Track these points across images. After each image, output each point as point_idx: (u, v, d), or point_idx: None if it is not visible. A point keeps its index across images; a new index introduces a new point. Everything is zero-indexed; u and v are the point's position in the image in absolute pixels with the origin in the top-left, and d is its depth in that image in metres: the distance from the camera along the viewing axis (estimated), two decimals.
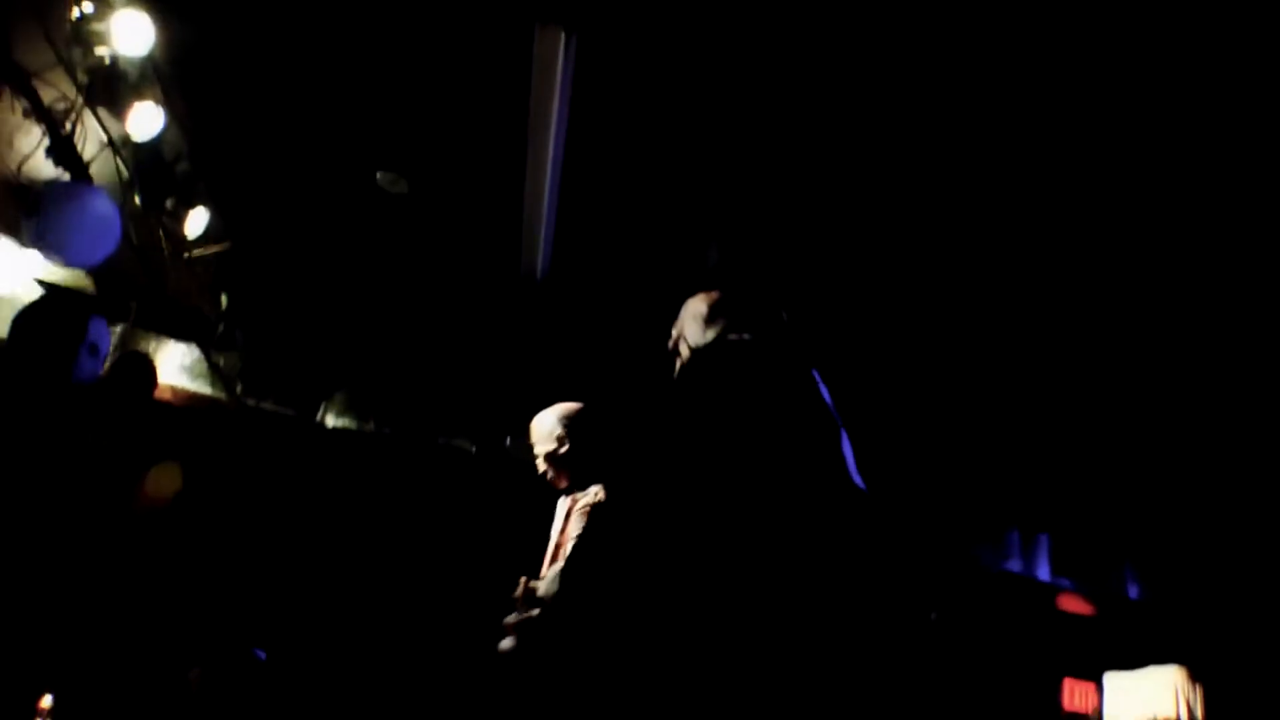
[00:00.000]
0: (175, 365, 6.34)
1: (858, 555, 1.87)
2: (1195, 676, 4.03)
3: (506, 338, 5.91)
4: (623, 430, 2.82)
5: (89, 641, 5.40)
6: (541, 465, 2.91)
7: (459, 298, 5.70)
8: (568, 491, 2.85)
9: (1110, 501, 6.67)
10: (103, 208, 4.22)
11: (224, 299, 5.65)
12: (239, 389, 6.32)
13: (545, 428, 2.90)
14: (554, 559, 2.70)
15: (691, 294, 2.31)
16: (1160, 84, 3.77)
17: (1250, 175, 4.12)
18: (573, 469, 2.84)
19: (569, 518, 2.73)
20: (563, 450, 2.82)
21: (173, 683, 5.28)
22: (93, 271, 5.68)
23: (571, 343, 5.90)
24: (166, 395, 6.28)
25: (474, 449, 6.27)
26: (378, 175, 4.80)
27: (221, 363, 6.09)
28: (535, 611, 2.45)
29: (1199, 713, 3.97)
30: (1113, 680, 4.31)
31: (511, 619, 2.55)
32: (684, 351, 2.20)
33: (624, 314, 5.58)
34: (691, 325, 2.22)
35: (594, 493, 2.68)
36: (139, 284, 5.83)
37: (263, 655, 5.59)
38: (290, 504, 6.07)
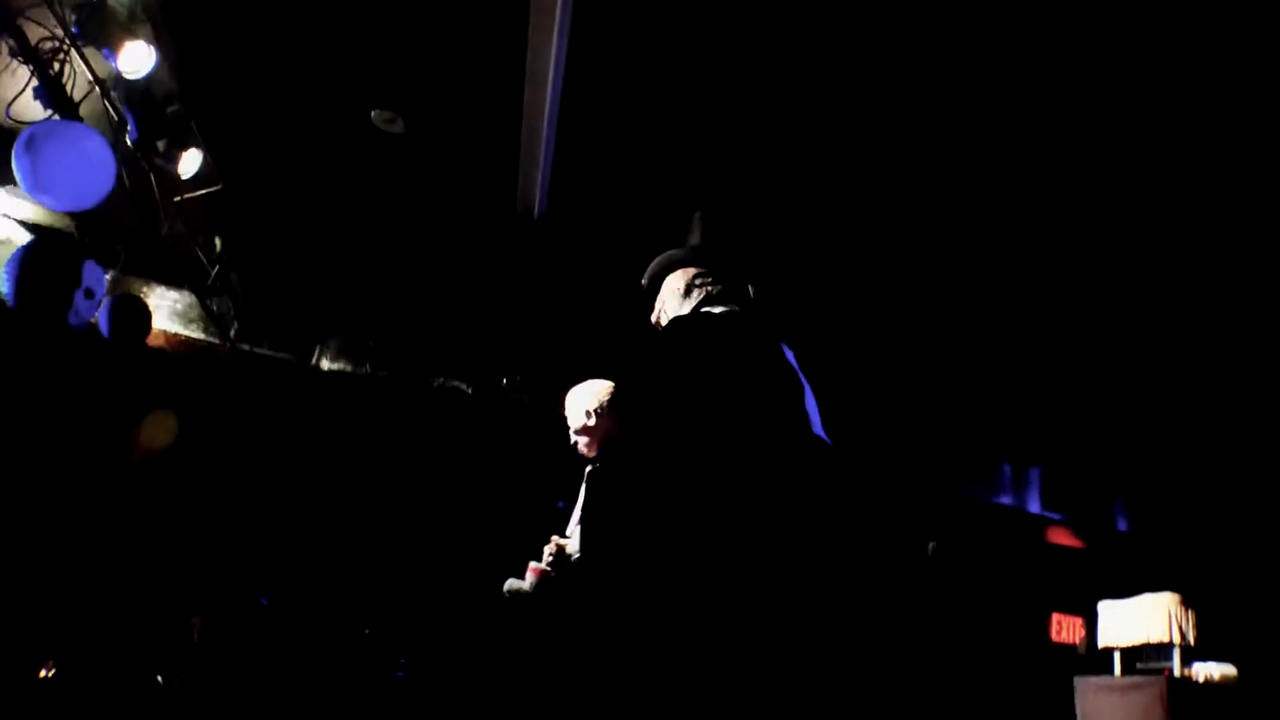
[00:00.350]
0: (168, 310, 6.30)
1: (823, 502, 1.99)
2: (1187, 602, 4.04)
3: (503, 277, 5.88)
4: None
5: (91, 591, 5.44)
6: (573, 437, 3.00)
7: (456, 237, 5.67)
8: (596, 461, 2.95)
9: (1102, 436, 6.73)
10: (97, 148, 4.16)
11: (218, 242, 5.60)
12: (233, 333, 6.29)
13: (578, 403, 2.99)
14: (570, 524, 2.90)
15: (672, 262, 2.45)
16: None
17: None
18: (602, 442, 2.94)
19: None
20: (591, 424, 2.91)
21: (176, 629, 5.33)
22: (80, 215, 5.63)
23: (569, 282, 5.88)
24: (159, 341, 6.25)
25: (470, 390, 6.27)
26: (373, 114, 4.74)
27: (215, 307, 6.06)
28: (553, 571, 2.64)
29: (1191, 636, 4.01)
30: (1107, 607, 4.39)
31: (540, 565, 2.71)
32: (664, 322, 2.37)
33: (622, 252, 5.55)
34: (671, 299, 2.38)
35: None
36: (129, 227, 5.78)
37: (265, 601, 5.64)
38: (287, 449, 6.08)
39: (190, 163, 4.83)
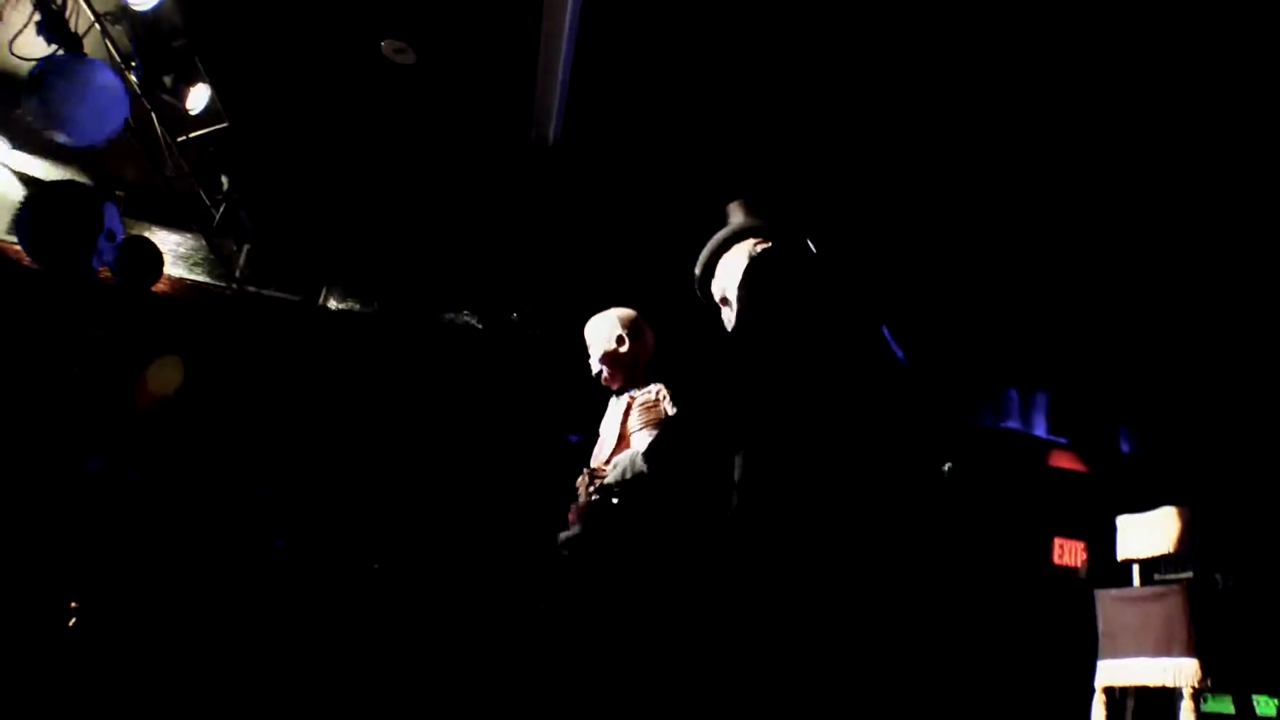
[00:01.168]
0: (171, 254, 6.23)
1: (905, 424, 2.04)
2: (1203, 514, 4.14)
3: (515, 207, 5.83)
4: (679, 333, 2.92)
5: (97, 534, 5.45)
6: (596, 366, 2.94)
7: (466, 169, 5.61)
8: (621, 391, 2.90)
9: (1108, 360, 6.80)
10: (107, 81, 4.09)
11: (224, 182, 5.52)
12: (239, 275, 6.24)
13: (603, 329, 2.94)
14: (615, 450, 2.74)
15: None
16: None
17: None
18: (630, 369, 2.88)
19: (628, 413, 2.76)
20: (622, 350, 2.86)
21: (182, 573, 5.35)
22: (76, 154, 5.52)
23: (582, 211, 5.84)
24: (164, 286, 6.19)
25: (481, 325, 6.26)
26: (383, 45, 4.66)
27: (222, 249, 6.00)
28: (600, 498, 2.50)
29: (1208, 546, 4.12)
30: (1125, 522, 4.47)
31: (580, 503, 2.62)
32: (732, 301, 2.24)
33: (639, 181, 5.53)
34: (734, 277, 2.25)
35: (655, 391, 2.74)
36: (130, 169, 5.70)
37: (280, 544, 5.66)
38: (296, 391, 6.06)
39: (197, 99, 4.75)
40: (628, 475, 2.35)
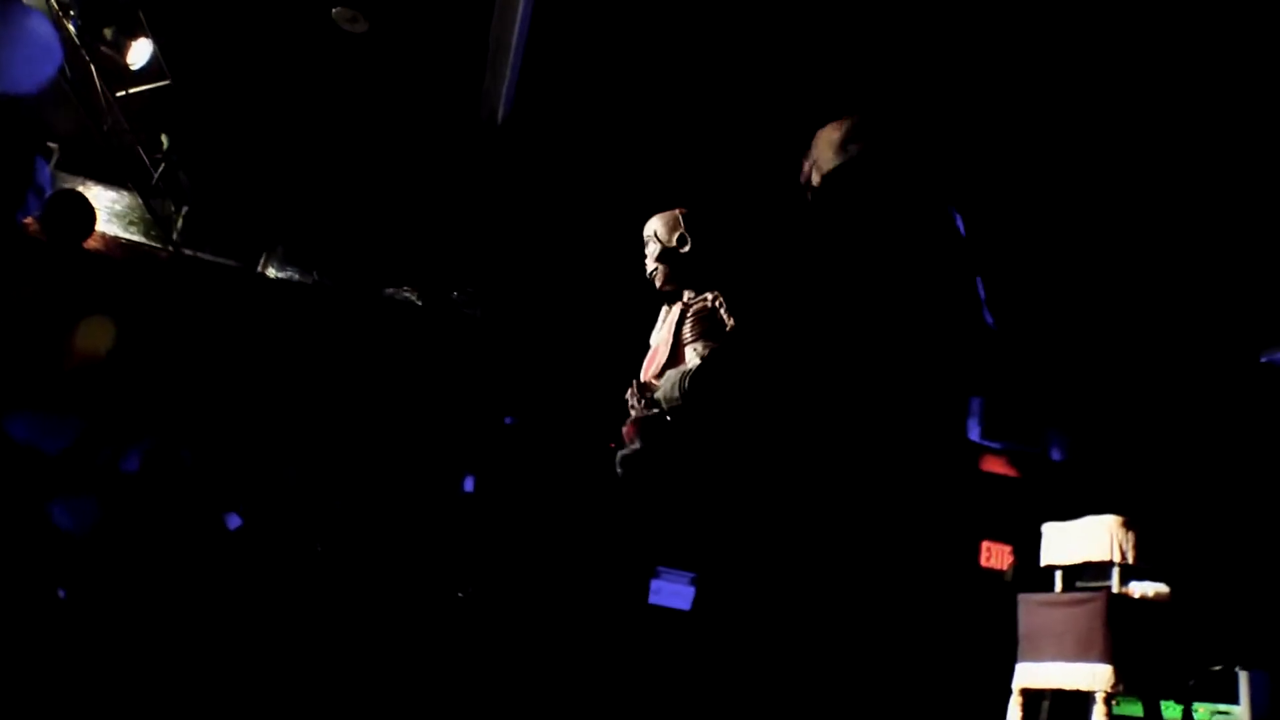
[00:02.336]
0: (107, 211, 6.06)
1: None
2: (1128, 524, 4.19)
3: (461, 187, 5.75)
4: (741, 242, 2.77)
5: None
6: (652, 264, 2.76)
7: (413, 142, 5.51)
8: (673, 296, 2.74)
9: (1042, 368, 6.92)
10: (40, 27, 3.94)
11: (164, 140, 5.37)
12: (176, 237, 6.08)
13: (666, 225, 2.74)
14: (668, 361, 2.61)
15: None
16: None
17: None
18: (687, 271, 2.70)
19: (683, 322, 2.62)
20: (684, 250, 2.68)
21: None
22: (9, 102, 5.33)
23: (530, 195, 5.78)
24: (97, 244, 6.02)
25: (421, 302, 6.18)
26: (334, 11, 4.56)
27: (159, 209, 5.84)
28: (655, 411, 2.43)
29: (1131, 556, 4.12)
30: (1051, 528, 4.54)
31: (633, 418, 2.51)
32: (816, 179, 2.18)
33: (587, 166, 5.47)
34: (826, 152, 2.17)
35: (710, 298, 2.59)
36: (64, 122, 5.52)
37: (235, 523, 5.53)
38: (229, 359, 5.93)
39: (139, 54, 4.60)
40: (673, 397, 2.33)
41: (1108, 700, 3.84)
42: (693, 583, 6.91)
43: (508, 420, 6.25)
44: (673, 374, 2.38)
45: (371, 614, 5.49)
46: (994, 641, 4.78)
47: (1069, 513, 4.57)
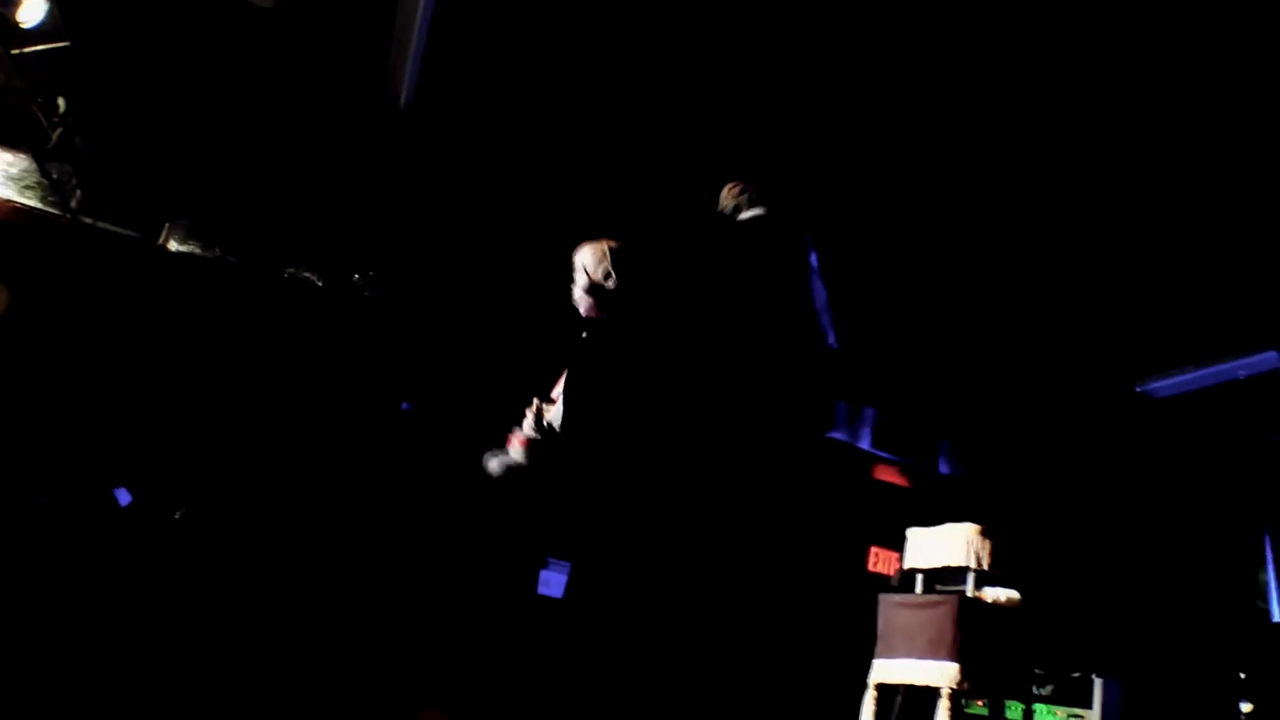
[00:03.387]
0: (2, 173, 5.95)
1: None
2: (986, 533, 4.41)
3: (365, 169, 5.77)
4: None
5: None
6: (579, 293, 2.87)
7: (318, 124, 5.52)
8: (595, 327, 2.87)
9: (933, 381, 7.12)
10: None
11: (61, 102, 5.29)
12: (74, 204, 5.99)
13: (596, 257, 2.84)
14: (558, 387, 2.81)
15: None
16: None
17: None
18: (611, 307, 2.82)
19: None
20: (609, 286, 2.79)
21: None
22: None
23: (433, 175, 5.80)
24: None
25: (321, 283, 6.17)
26: None
27: (55, 174, 5.75)
28: (544, 435, 2.63)
29: (986, 562, 4.34)
30: (914, 533, 4.72)
31: (525, 435, 2.68)
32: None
33: (490, 148, 5.52)
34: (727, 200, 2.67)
35: None
36: None
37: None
38: (127, 332, 5.86)
39: (32, 10, 4.54)
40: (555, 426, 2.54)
41: (953, 697, 4.02)
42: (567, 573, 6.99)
43: (405, 406, 6.30)
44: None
45: (260, 600, 5.52)
46: (870, 641, 4.98)
47: (953, 518, 4.75)
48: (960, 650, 4.09)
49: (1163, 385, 6.83)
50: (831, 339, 2.60)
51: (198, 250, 6.17)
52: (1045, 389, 7.08)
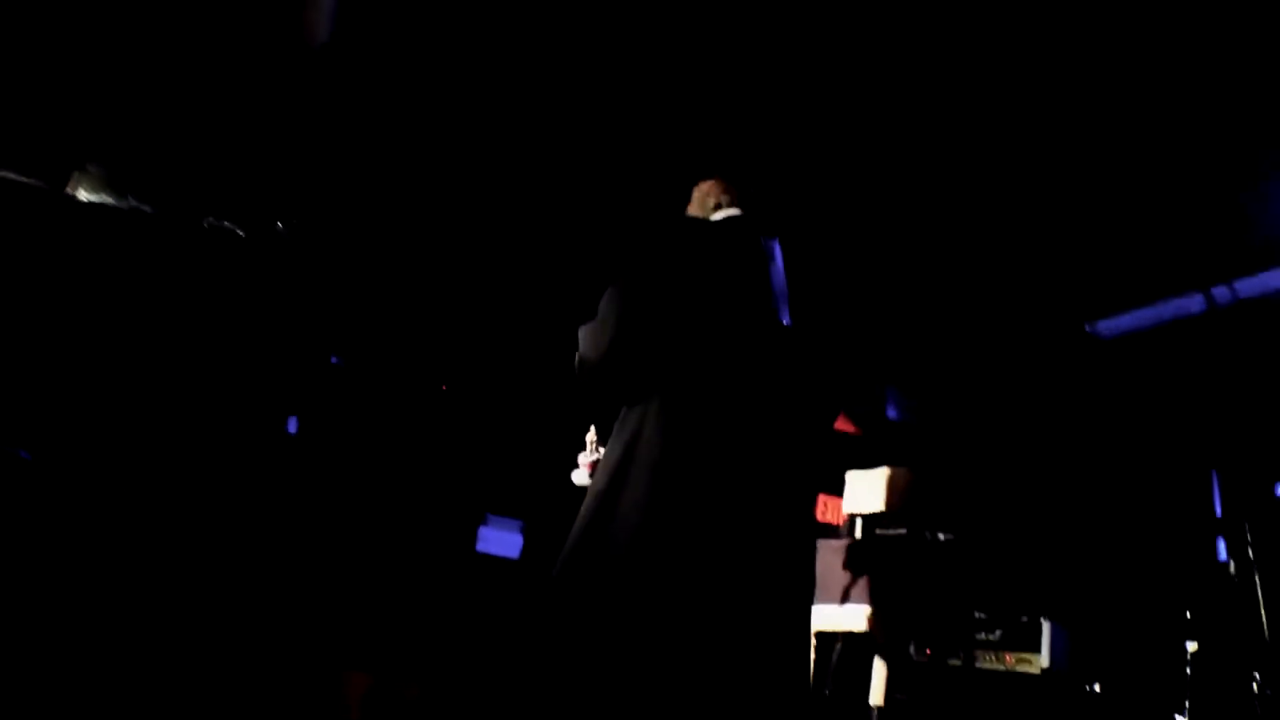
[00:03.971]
0: None
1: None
2: (917, 475, 4.58)
3: (287, 114, 5.55)
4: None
5: None
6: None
7: (234, 66, 5.29)
8: None
9: (884, 327, 7.07)
10: None
11: None
12: None
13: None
14: None
15: None
16: None
17: None
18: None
19: None
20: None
21: None
22: None
23: (357, 119, 5.61)
24: None
25: (243, 233, 5.95)
26: None
27: None
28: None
29: (921, 505, 4.54)
30: (853, 477, 4.70)
31: (589, 461, 2.93)
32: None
33: (412, 92, 5.33)
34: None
35: None
36: None
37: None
38: (34, 283, 5.62)
39: None
40: None
41: (884, 647, 4.15)
42: (523, 530, 6.96)
43: (334, 360, 6.16)
44: None
45: (184, 560, 5.41)
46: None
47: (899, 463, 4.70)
48: (871, 593, 4.13)
49: (1111, 325, 6.88)
50: (785, 317, 2.68)
51: (111, 200, 5.92)
52: (991, 330, 7.04)
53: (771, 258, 2.70)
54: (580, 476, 2.96)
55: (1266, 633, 4.39)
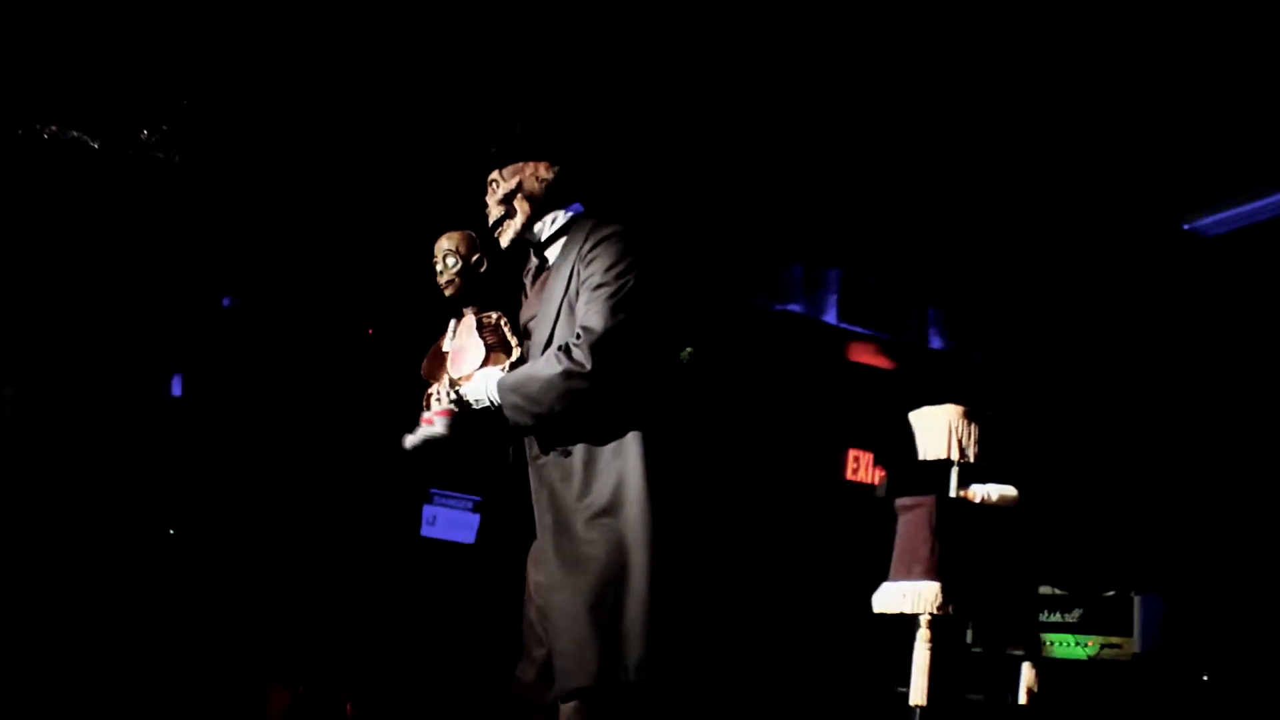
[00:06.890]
0: None
1: None
2: (971, 415, 4.03)
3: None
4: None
5: None
6: (451, 276, 3.22)
7: None
8: (463, 303, 3.25)
9: (914, 233, 6.55)
10: None
11: None
12: None
13: (468, 242, 3.26)
14: (455, 364, 3.17)
15: None
16: None
17: None
18: (477, 287, 3.23)
19: (481, 331, 3.17)
20: (482, 270, 3.22)
21: None
22: None
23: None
24: None
25: (97, 145, 5.24)
26: None
27: None
28: (461, 407, 2.96)
29: (971, 453, 3.96)
30: (917, 417, 4.29)
31: (442, 408, 2.99)
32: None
33: None
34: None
35: (495, 316, 3.18)
36: None
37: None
38: None
39: None
40: (485, 401, 2.90)
41: (932, 625, 3.65)
42: (478, 509, 6.27)
43: (226, 302, 5.75)
44: (483, 375, 2.95)
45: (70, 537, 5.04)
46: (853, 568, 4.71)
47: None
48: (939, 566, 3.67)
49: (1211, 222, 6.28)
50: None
51: None
52: (1060, 234, 6.43)
53: None
54: (429, 430, 2.99)
55: None
